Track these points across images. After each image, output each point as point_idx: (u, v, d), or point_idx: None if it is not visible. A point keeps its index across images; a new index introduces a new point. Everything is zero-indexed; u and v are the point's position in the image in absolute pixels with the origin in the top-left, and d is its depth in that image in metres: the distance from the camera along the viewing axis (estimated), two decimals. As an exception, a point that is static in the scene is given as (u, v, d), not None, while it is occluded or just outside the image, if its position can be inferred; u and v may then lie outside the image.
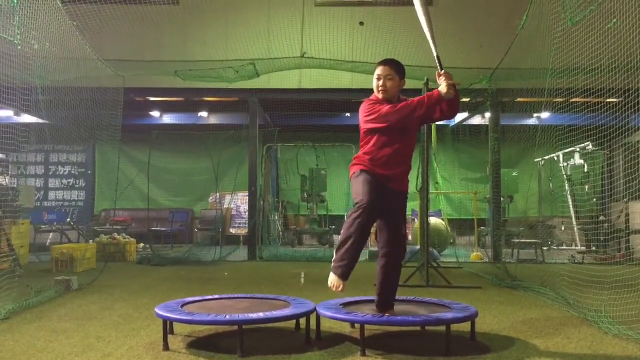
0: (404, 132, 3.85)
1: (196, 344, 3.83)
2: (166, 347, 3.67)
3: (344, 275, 3.75)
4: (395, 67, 3.90)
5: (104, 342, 3.86)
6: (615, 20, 5.07)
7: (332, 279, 3.77)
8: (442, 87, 3.67)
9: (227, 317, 3.56)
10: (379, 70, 3.89)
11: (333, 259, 3.83)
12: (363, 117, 3.88)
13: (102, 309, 5.19)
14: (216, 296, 4.51)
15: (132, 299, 5.73)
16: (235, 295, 4.58)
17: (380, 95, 3.88)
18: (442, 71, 3.76)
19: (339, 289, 3.73)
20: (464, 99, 10.73)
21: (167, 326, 3.79)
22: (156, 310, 3.79)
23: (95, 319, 4.71)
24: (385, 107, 3.75)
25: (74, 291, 6.24)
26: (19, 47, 5.68)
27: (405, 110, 3.71)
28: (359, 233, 3.69)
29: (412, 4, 4.14)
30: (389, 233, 3.87)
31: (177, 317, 3.64)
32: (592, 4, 5.17)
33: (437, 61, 3.89)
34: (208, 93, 11.27)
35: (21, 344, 3.81)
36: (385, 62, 3.92)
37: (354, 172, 3.90)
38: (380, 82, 3.86)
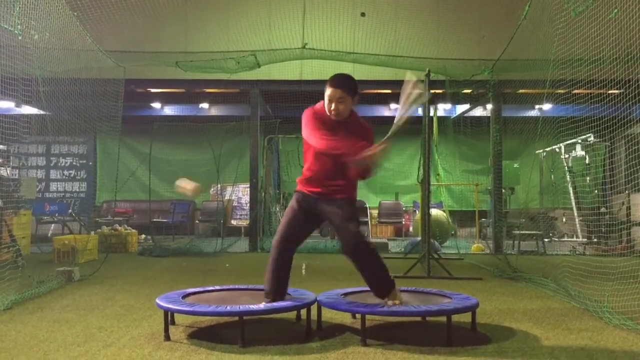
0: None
1: (197, 334, 3.85)
2: (167, 337, 3.68)
3: (272, 298, 3.84)
4: (346, 88, 3.70)
5: (106, 333, 3.87)
6: (615, 10, 5.04)
7: (395, 294, 3.79)
8: (375, 155, 3.37)
9: (228, 308, 3.56)
10: (329, 92, 3.70)
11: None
12: (302, 128, 3.75)
13: (104, 299, 5.21)
14: (217, 287, 4.52)
15: (133, 290, 5.74)
16: (237, 287, 4.58)
17: (333, 118, 3.73)
18: (385, 143, 3.39)
19: (403, 302, 3.75)
20: (466, 90, 10.71)
21: (169, 317, 3.79)
22: (157, 301, 3.80)
23: (97, 309, 4.73)
24: (317, 135, 3.61)
25: (76, 282, 6.26)
26: (19, 38, 5.67)
27: (332, 152, 3.57)
28: (272, 263, 3.91)
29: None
30: (338, 234, 3.85)
31: (179, 308, 3.65)
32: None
33: (394, 125, 3.53)
34: (209, 84, 11.26)
35: (23, 334, 3.82)
36: (336, 85, 3.70)
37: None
38: (332, 106, 3.69)
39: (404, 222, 13.98)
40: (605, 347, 3.54)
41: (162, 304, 3.72)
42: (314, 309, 3.94)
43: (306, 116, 3.77)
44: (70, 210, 12.44)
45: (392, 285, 3.82)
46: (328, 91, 3.72)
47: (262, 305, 3.68)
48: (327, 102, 3.73)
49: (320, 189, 3.83)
